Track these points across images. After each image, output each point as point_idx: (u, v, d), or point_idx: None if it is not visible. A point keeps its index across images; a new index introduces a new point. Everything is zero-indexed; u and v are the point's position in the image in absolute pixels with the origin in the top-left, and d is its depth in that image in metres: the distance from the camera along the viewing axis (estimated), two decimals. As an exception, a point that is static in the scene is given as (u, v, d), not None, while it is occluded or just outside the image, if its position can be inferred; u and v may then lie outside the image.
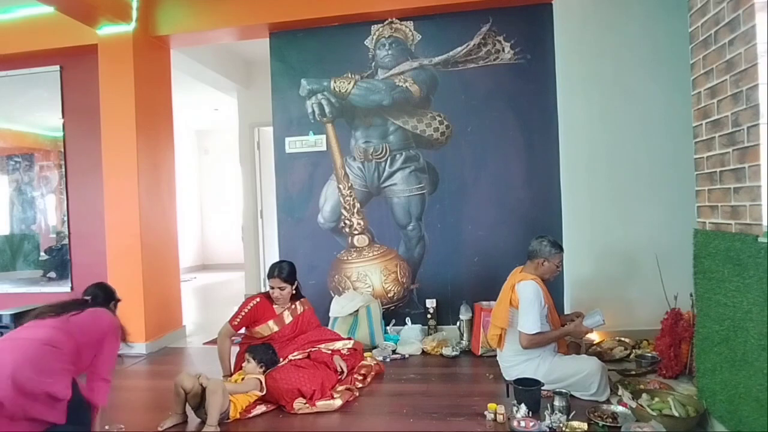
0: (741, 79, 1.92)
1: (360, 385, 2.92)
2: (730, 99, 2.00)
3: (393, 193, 4.02)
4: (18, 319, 3.76)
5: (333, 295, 4.02)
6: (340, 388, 2.80)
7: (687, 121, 2.46)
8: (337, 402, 2.65)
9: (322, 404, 2.63)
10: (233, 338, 3.04)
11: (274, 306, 3.01)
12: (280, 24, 4.02)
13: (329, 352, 2.96)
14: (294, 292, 3.05)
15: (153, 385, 3.20)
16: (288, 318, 3.01)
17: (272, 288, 2.99)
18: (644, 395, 2.41)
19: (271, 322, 2.97)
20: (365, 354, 3.29)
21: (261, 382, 2.62)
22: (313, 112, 4.07)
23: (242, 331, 3.05)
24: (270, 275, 3.01)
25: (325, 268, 4.11)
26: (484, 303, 3.53)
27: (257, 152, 6.10)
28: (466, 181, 3.92)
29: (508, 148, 3.87)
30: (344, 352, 3.03)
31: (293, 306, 3.06)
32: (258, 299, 3.01)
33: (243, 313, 2.95)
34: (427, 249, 3.99)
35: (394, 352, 3.58)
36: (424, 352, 3.58)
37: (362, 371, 3.04)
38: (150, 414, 2.51)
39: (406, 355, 3.53)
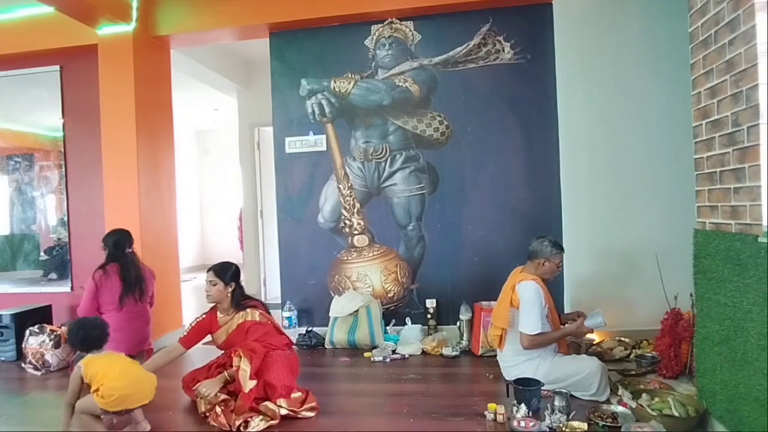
0: (741, 79, 1.92)
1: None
2: (730, 99, 2.00)
3: (393, 193, 4.01)
4: (19, 319, 3.81)
5: (333, 295, 4.02)
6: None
7: (687, 121, 2.46)
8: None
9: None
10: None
11: (219, 316, 2.88)
12: (280, 24, 4.02)
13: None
14: (230, 295, 2.83)
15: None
16: (223, 336, 2.85)
17: (206, 282, 2.86)
18: (644, 395, 2.41)
19: (219, 332, 2.86)
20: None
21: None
22: (313, 112, 4.07)
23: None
24: (207, 270, 2.89)
25: (325, 268, 4.11)
26: (484, 303, 3.53)
27: (257, 152, 6.09)
28: (466, 181, 3.92)
29: (508, 148, 3.87)
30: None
31: (234, 316, 2.83)
32: (203, 315, 2.91)
33: (189, 327, 2.88)
34: (427, 249, 3.99)
35: (394, 352, 3.58)
36: (424, 352, 3.58)
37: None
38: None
39: (406, 355, 3.53)
